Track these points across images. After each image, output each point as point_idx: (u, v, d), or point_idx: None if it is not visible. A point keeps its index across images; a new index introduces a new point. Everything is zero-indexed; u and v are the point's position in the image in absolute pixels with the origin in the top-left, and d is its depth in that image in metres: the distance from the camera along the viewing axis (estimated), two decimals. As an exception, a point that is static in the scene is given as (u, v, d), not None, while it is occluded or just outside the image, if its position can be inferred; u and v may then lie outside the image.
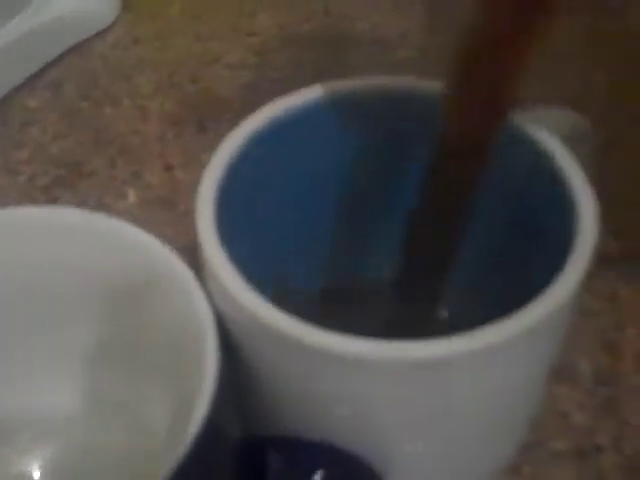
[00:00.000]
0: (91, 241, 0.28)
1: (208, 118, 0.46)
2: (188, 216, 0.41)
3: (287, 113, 0.29)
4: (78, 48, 0.51)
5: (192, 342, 0.25)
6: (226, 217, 0.26)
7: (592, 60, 0.48)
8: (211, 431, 0.24)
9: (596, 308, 0.38)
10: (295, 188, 0.30)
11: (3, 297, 0.30)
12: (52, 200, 0.43)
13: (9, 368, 0.31)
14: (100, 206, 0.43)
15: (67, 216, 0.29)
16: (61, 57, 0.50)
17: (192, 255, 0.28)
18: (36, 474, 0.32)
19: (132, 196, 0.43)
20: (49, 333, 0.30)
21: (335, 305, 0.31)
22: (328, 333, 0.23)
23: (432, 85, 0.29)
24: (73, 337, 0.31)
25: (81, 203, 0.43)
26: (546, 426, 0.34)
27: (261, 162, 0.29)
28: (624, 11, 0.51)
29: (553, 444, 0.34)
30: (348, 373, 0.23)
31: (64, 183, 0.44)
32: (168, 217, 0.42)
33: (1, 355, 0.31)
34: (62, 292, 0.30)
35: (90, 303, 0.29)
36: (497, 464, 0.30)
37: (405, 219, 0.28)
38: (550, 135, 0.27)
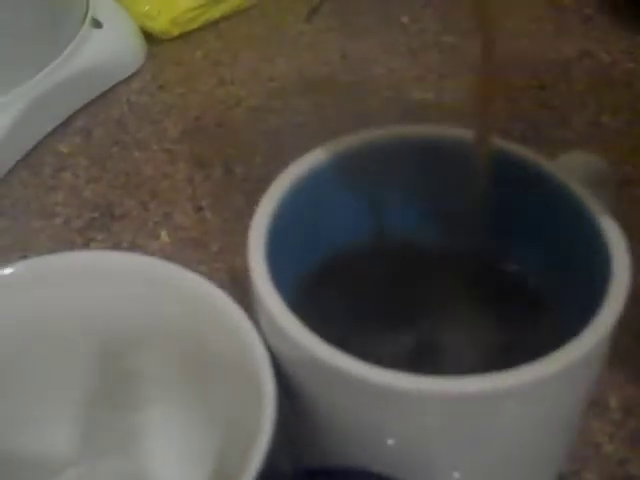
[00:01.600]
0: (147, 285, 0.30)
1: (234, 160, 0.48)
2: (220, 255, 0.44)
3: (328, 160, 0.31)
4: (104, 95, 0.53)
5: (248, 380, 0.27)
6: (275, 257, 0.28)
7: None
8: (269, 465, 0.25)
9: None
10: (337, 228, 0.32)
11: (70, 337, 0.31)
12: (87, 241, 0.45)
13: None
14: (134, 247, 0.45)
15: (116, 260, 0.31)
16: (88, 104, 0.53)
17: (229, 291, 0.30)
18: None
19: (164, 236, 0.45)
20: (105, 373, 0.32)
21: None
22: (384, 370, 0.25)
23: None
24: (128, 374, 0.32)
25: (116, 244, 0.45)
26: (578, 456, 0.36)
27: (305, 206, 0.30)
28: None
29: (585, 474, 0.35)
30: (398, 406, 0.25)
31: (98, 225, 0.46)
32: (201, 256, 0.44)
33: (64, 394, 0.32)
34: (120, 336, 0.31)
35: (152, 346, 0.31)
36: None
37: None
38: (576, 180, 0.29)
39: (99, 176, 0.49)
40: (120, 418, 0.33)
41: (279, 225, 0.29)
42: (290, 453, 0.29)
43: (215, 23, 0.57)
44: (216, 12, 0.57)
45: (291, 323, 0.26)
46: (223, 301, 0.29)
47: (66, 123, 0.52)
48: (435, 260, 0.32)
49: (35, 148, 0.50)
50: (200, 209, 0.46)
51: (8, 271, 0.30)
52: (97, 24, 0.52)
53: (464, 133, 0.31)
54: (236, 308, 0.29)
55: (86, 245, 0.45)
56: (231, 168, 0.48)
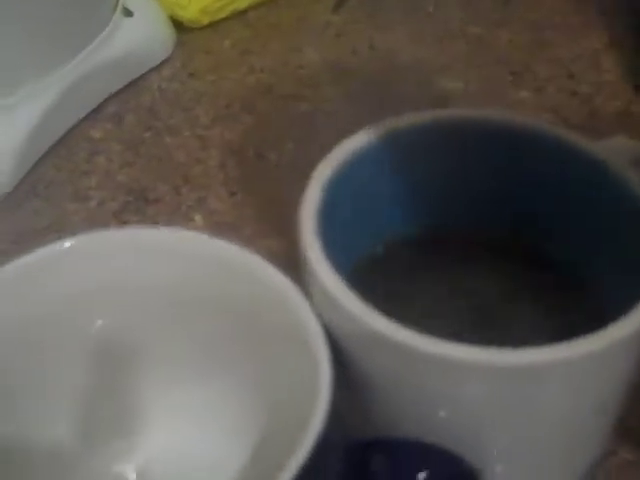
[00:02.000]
0: (203, 262, 0.31)
1: (266, 147, 0.49)
2: (254, 239, 0.44)
3: (375, 142, 0.32)
4: (135, 82, 0.54)
5: (303, 356, 0.28)
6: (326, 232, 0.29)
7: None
8: (324, 438, 0.26)
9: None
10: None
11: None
12: (122, 224, 0.46)
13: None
14: (169, 230, 0.45)
15: (173, 237, 0.32)
16: (119, 91, 0.53)
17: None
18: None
19: (199, 220, 0.46)
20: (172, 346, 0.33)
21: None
22: (438, 340, 0.25)
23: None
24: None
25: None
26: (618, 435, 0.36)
27: (353, 186, 0.31)
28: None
29: (623, 453, 0.36)
30: (452, 376, 0.26)
31: (132, 209, 0.47)
32: (235, 240, 0.44)
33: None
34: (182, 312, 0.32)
35: (206, 321, 0.32)
36: (581, 469, 0.32)
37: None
38: (620, 162, 0.30)
39: (132, 161, 0.49)
40: (167, 394, 0.33)
41: (328, 203, 0.30)
42: (342, 426, 0.29)
43: (243, 12, 0.58)
44: (244, 2, 0.58)
45: (346, 295, 0.27)
46: (277, 277, 0.30)
47: (98, 109, 0.52)
48: (479, 245, 0.33)
49: (68, 134, 0.51)
50: (233, 194, 0.47)
51: (69, 244, 0.31)
52: (128, 13, 0.53)
53: (509, 116, 0.32)
54: (289, 284, 0.29)
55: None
56: (263, 154, 0.49)
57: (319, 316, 0.28)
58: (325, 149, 0.47)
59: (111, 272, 0.31)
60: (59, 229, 0.46)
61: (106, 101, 0.53)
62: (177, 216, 0.46)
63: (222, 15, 0.57)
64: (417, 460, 0.27)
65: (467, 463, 0.27)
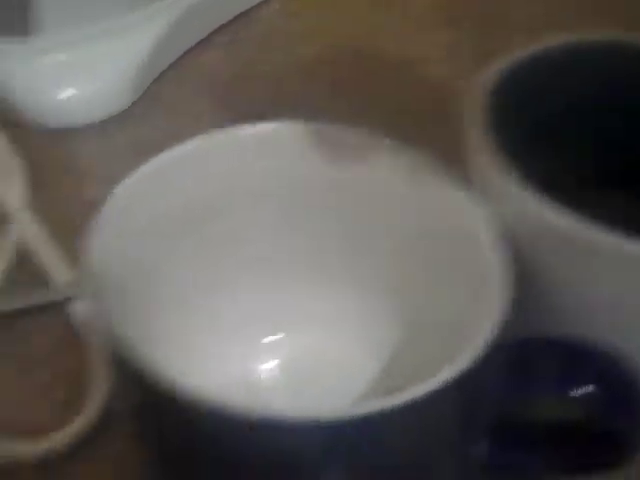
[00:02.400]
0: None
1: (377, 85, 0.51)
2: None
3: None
4: (245, 14, 0.55)
5: (479, 253, 0.29)
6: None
7: None
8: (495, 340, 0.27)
9: None
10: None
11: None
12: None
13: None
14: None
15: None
16: (231, 21, 0.54)
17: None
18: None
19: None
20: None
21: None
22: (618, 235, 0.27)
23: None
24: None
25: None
26: None
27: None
28: None
29: None
30: (624, 271, 0.27)
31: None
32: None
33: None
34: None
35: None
36: None
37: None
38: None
39: (245, 87, 0.51)
40: (317, 297, 0.35)
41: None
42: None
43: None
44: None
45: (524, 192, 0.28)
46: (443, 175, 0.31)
47: (209, 38, 0.54)
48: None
49: (180, 59, 0.52)
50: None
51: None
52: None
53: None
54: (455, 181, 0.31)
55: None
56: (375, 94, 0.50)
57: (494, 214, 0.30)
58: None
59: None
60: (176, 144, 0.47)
61: (216, 31, 0.54)
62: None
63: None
64: (578, 358, 0.29)
65: (629, 366, 0.28)
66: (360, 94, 0.50)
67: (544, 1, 0.54)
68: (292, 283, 0.35)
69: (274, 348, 0.35)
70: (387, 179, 0.32)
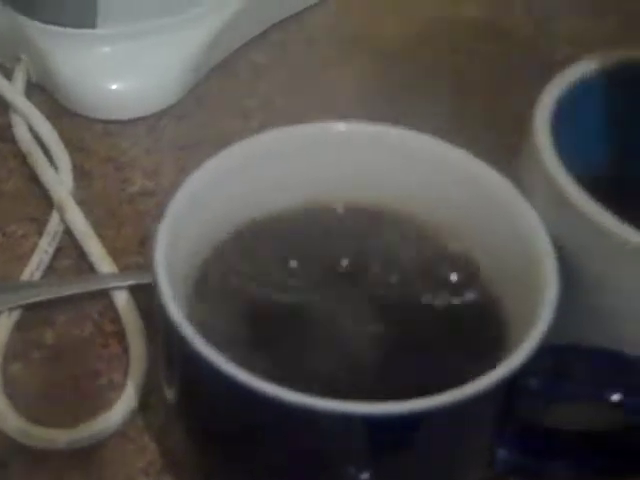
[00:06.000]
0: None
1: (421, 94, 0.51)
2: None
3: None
4: (298, 14, 0.55)
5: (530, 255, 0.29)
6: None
7: None
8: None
9: None
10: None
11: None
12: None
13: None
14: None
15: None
16: (284, 22, 0.55)
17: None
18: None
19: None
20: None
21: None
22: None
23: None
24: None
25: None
26: None
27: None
28: None
29: None
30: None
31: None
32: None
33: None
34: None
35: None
36: None
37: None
38: None
39: (293, 89, 0.51)
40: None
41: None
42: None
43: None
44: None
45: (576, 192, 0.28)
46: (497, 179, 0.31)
47: (262, 36, 0.54)
48: None
49: (232, 56, 0.52)
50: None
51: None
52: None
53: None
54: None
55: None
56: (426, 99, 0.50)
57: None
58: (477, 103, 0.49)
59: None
60: (219, 144, 0.47)
61: (270, 29, 0.54)
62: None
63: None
64: (616, 367, 0.29)
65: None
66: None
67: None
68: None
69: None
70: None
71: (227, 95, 0.51)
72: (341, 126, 0.35)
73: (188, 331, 0.26)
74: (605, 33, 0.54)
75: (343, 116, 0.48)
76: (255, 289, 0.30)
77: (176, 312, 0.26)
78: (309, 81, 0.51)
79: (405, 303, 0.30)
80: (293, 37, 0.54)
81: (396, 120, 0.47)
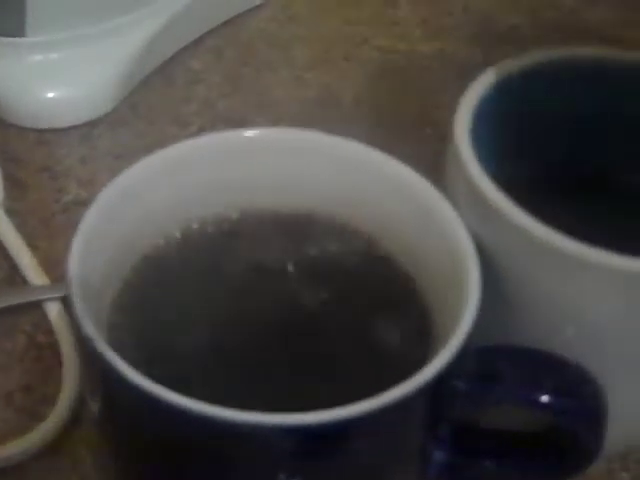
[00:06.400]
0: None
1: (364, 92, 0.50)
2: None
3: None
4: (234, 20, 0.55)
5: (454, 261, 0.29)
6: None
7: None
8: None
9: None
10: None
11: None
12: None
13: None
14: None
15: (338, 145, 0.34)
16: (219, 27, 0.54)
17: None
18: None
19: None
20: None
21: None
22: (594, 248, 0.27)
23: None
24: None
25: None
26: None
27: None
28: None
29: None
30: (601, 285, 0.27)
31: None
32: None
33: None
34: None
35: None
36: None
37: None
38: None
39: (231, 92, 0.51)
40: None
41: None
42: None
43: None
44: (345, -46, 0.59)
45: (496, 196, 0.29)
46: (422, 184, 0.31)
47: (197, 42, 0.53)
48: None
49: (168, 62, 0.52)
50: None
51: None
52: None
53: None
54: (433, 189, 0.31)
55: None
56: (360, 99, 0.50)
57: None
58: (420, 99, 0.49)
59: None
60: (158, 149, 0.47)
61: (205, 35, 0.54)
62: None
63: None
64: (544, 368, 0.29)
65: (593, 378, 0.28)
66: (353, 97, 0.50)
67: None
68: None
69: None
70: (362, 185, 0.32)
71: (164, 101, 0.50)
72: (260, 132, 0.34)
73: (100, 345, 0.25)
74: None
75: (280, 119, 0.49)
76: (175, 303, 0.30)
77: (89, 326, 0.26)
78: (246, 85, 0.51)
79: (330, 308, 0.30)
80: (229, 42, 0.54)
81: (333, 121, 0.48)
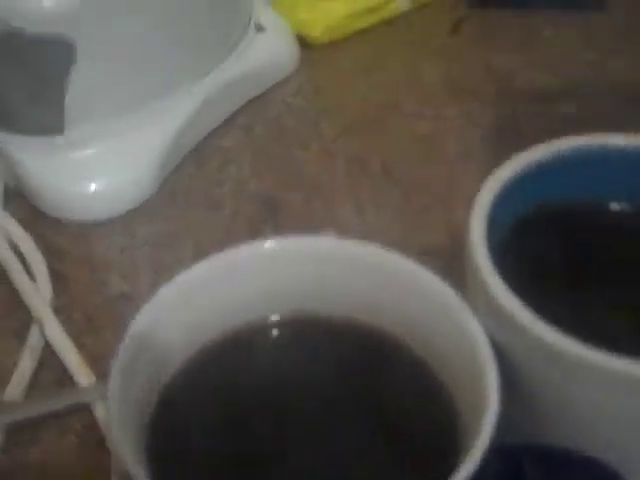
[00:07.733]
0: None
1: (392, 162, 0.52)
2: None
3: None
4: (262, 96, 0.56)
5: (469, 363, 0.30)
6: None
7: None
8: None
9: None
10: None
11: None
12: (255, 233, 0.48)
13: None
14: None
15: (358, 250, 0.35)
16: (247, 104, 0.56)
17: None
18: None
19: (331, 231, 0.48)
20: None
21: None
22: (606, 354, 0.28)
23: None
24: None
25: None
26: None
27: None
28: None
29: None
30: (623, 391, 0.28)
31: (265, 217, 0.49)
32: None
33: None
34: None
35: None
36: None
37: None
38: None
39: (263, 171, 0.52)
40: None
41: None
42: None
43: (363, 32, 0.60)
44: (365, 22, 0.60)
45: (515, 305, 0.29)
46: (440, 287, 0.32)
47: (228, 121, 0.55)
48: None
49: (201, 143, 0.54)
50: (361, 208, 0.49)
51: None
52: (260, 29, 0.56)
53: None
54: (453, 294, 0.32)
55: (254, 237, 0.48)
56: (389, 169, 0.51)
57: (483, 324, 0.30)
58: (450, 168, 0.50)
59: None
60: (195, 235, 0.49)
61: (236, 113, 0.55)
62: (308, 226, 0.48)
63: (344, 33, 0.60)
64: (573, 471, 0.29)
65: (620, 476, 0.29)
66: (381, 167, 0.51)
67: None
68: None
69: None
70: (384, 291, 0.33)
71: (198, 184, 0.51)
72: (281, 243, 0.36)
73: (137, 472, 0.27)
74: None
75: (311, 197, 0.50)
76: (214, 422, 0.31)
77: (129, 456, 0.27)
78: (277, 162, 0.52)
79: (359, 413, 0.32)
80: (258, 119, 0.55)
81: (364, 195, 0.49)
